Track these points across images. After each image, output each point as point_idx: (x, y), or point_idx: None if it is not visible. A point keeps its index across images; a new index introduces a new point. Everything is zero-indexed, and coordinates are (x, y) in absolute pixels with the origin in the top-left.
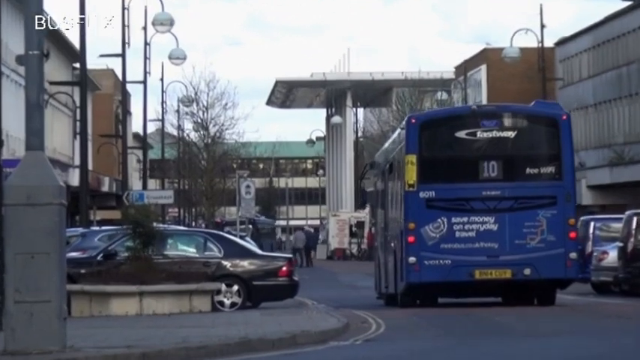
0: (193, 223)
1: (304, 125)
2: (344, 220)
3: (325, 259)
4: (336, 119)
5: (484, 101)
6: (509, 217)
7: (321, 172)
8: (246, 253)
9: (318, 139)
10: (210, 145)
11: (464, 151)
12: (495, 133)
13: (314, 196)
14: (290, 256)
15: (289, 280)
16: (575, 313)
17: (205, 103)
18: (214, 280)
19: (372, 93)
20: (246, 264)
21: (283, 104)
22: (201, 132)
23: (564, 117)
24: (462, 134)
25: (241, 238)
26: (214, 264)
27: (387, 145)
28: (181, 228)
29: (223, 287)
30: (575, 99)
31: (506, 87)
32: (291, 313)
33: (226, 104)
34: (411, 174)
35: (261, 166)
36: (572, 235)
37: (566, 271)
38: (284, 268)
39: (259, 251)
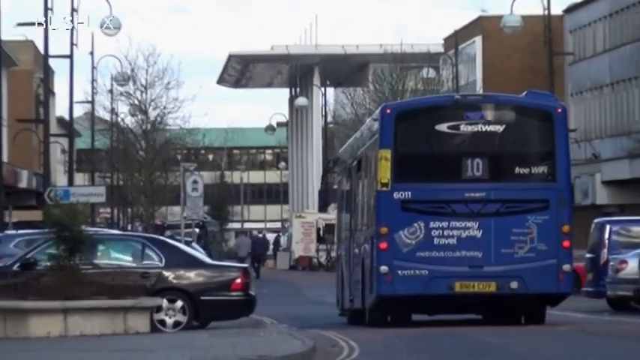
0: (129, 226)
1: (263, 108)
2: (310, 222)
3: (287, 269)
4: (302, 101)
5: (478, 80)
6: (495, 222)
7: (282, 164)
8: (193, 263)
9: (279, 125)
10: (150, 132)
11: (445, 146)
12: (481, 127)
13: (274, 194)
14: (245, 265)
15: (244, 295)
16: (585, 334)
17: (144, 82)
18: (154, 294)
19: (344, 70)
20: (192, 275)
21: (238, 83)
22: (139, 116)
23: (560, 110)
24: (443, 127)
25: (186, 244)
26: (154, 275)
27: (354, 138)
28: (115, 232)
29: (165, 303)
30: (588, 77)
31: (505, 63)
32: (246, 334)
33: (169, 83)
34: (385, 172)
35: (210, 157)
36: (566, 244)
37: (558, 285)
38: (238, 280)
39: (208, 260)
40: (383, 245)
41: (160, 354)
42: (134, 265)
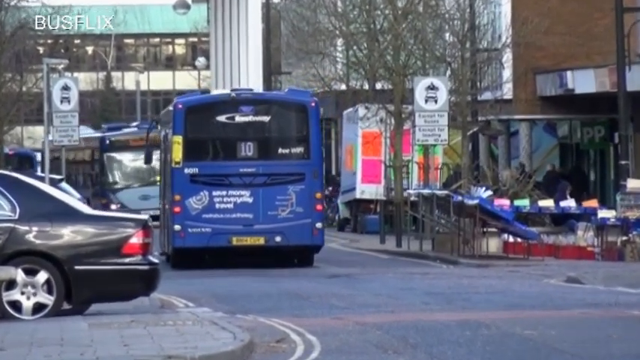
0: None
1: None
2: None
3: None
4: None
5: None
6: (263, 191)
7: (201, 61)
8: (64, 213)
9: (195, 0)
10: None
11: (224, 133)
12: (252, 118)
13: None
14: (145, 217)
15: (143, 262)
16: None
17: None
18: (4, 262)
19: None
20: (63, 233)
21: None
22: None
23: (313, 104)
24: (222, 118)
25: (54, 184)
26: (3, 232)
27: (165, 111)
28: None
29: (21, 276)
30: None
31: None
32: (146, 323)
33: None
34: (177, 153)
35: (90, 50)
36: (319, 207)
37: (312, 239)
38: (134, 240)
39: (87, 209)
40: (176, 209)
41: (13, 354)
42: None
